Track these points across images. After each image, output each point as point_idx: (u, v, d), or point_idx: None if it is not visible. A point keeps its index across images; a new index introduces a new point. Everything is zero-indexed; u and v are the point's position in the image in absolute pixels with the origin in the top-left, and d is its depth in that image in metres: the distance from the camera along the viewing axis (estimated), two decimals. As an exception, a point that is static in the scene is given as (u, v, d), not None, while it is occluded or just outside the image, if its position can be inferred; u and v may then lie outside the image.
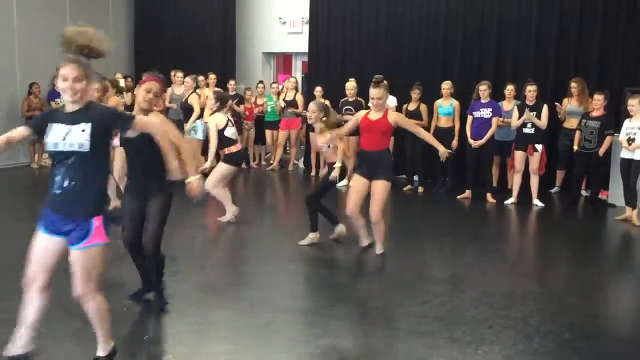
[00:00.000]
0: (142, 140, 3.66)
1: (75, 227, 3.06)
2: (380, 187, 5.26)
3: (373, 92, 5.28)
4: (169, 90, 10.23)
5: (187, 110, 9.48)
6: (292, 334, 4.07)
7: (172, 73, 10.35)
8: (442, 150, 5.21)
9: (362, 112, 5.49)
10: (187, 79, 9.77)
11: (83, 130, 3.02)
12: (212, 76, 10.83)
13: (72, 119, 3.06)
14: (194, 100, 9.42)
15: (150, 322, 4.18)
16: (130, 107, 7.35)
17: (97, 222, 3.09)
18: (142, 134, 3.53)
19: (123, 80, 10.41)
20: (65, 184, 3.05)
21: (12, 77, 10.63)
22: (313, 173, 10.41)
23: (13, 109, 10.55)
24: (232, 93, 10.64)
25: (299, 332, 4.10)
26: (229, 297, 4.64)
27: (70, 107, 3.10)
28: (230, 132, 6.77)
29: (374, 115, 5.30)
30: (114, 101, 7.01)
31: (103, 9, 12.03)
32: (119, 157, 6.48)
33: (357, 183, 5.36)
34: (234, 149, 6.78)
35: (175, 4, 12.14)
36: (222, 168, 6.77)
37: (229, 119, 6.83)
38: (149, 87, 4.03)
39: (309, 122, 6.40)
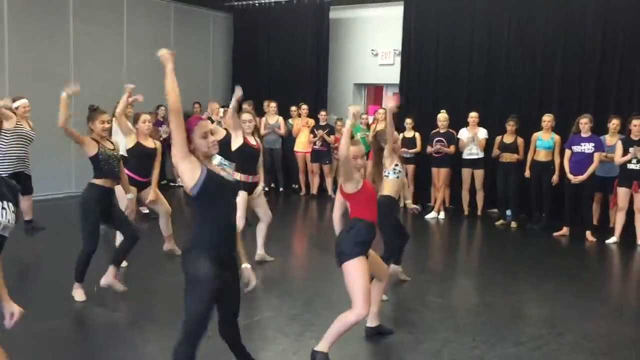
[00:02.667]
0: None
1: None
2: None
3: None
4: (263, 119, 10.63)
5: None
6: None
7: (266, 103, 10.70)
8: None
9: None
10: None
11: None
12: (304, 106, 11.07)
13: None
14: None
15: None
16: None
17: None
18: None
19: (222, 109, 10.83)
20: None
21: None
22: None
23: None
24: (322, 123, 10.81)
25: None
26: (316, 325, 4.65)
27: None
28: None
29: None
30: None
31: (204, 43, 12.65)
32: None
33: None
34: None
35: (270, 36, 12.52)
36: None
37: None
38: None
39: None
